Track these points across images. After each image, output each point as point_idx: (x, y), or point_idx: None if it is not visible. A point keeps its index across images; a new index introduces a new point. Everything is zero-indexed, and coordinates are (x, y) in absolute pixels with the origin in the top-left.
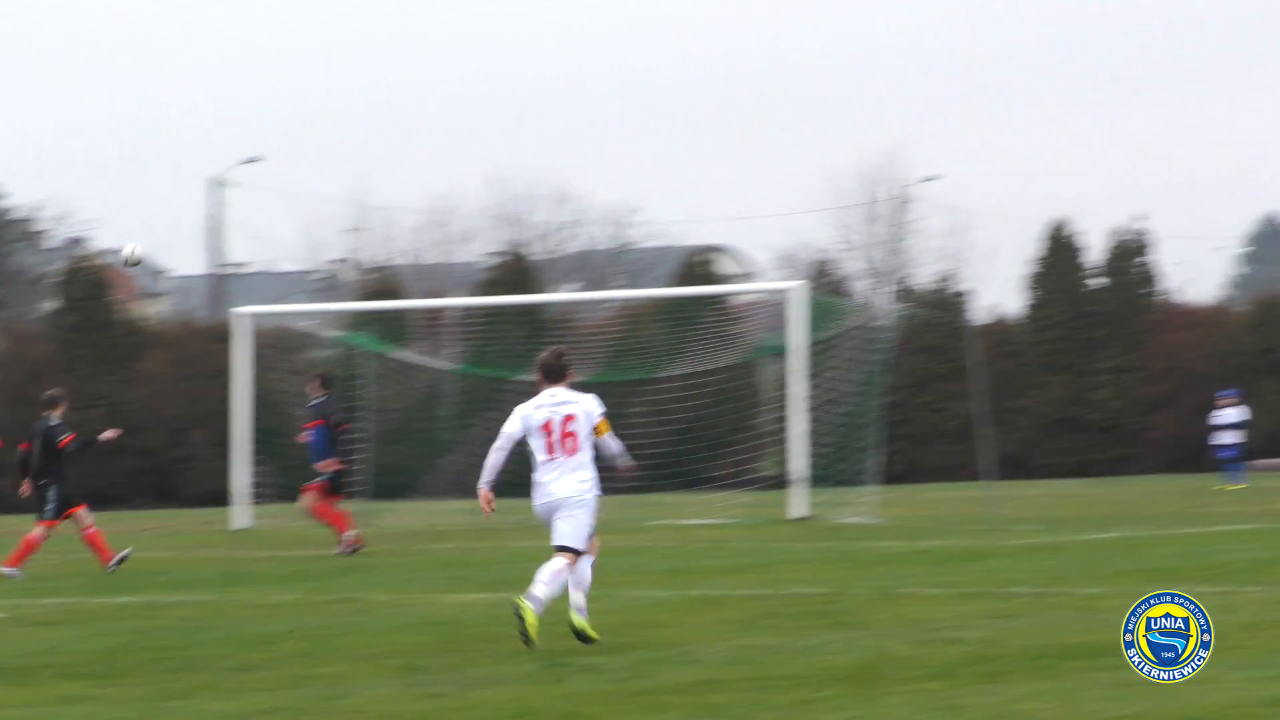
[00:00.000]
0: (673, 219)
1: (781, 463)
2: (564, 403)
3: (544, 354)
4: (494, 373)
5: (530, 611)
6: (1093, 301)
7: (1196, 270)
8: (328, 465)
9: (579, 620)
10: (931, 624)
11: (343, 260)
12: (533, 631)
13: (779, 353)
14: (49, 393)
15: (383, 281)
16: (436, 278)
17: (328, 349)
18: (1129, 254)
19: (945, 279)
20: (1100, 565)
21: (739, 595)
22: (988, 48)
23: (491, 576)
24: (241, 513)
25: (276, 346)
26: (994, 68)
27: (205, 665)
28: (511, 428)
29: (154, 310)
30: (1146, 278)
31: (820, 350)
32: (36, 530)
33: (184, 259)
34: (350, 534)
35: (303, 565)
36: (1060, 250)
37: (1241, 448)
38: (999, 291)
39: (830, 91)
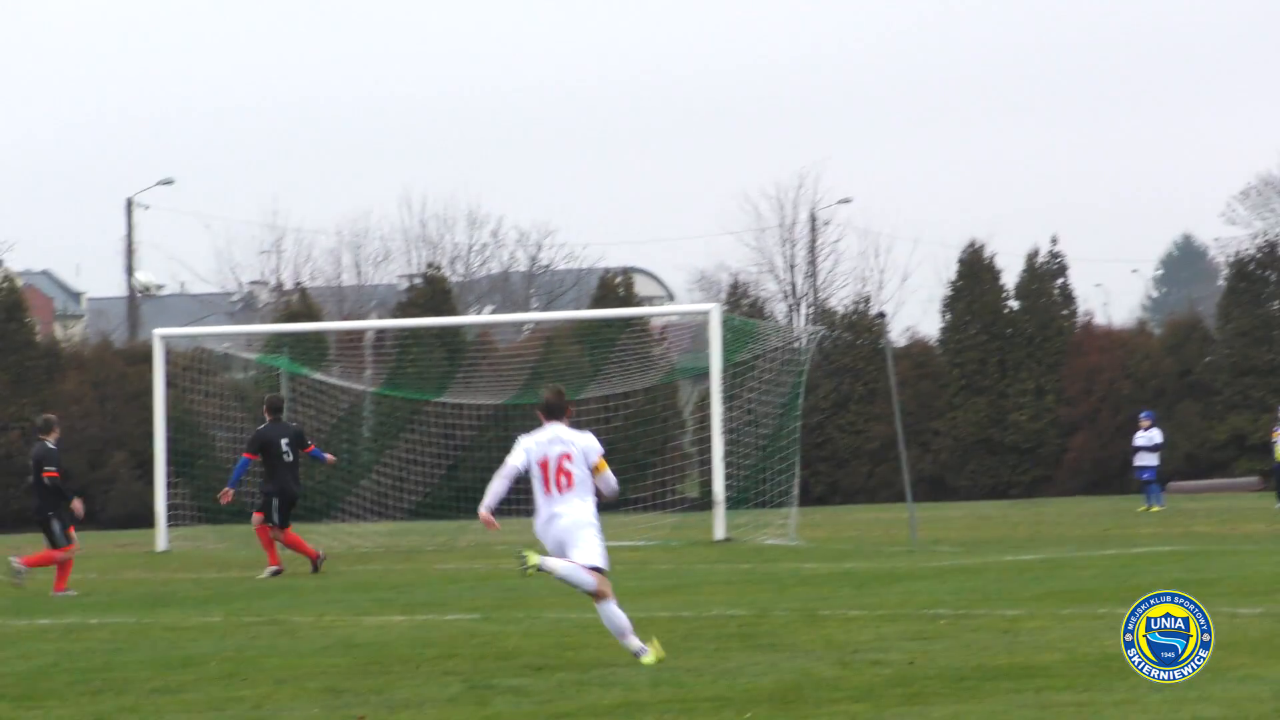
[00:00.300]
0: (588, 241)
1: (703, 484)
2: (561, 441)
3: (545, 393)
4: (412, 394)
5: (535, 559)
6: (1010, 324)
7: (1113, 293)
8: (223, 496)
9: (649, 659)
10: (854, 646)
11: (259, 282)
12: (532, 564)
13: (697, 374)
14: (44, 417)
15: (299, 303)
16: (353, 299)
17: (246, 371)
18: (1045, 276)
19: (862, 301)
20: (1022, 587)
21: (662, 617)
22: (900, 71)
23: (414, 599)
24: (164, 535)
25: (194, 369)
26: (908, 91)
27: (128, 687)
28: (516, 460)
29: (70, 332)
30: (1063, 300)
31: (738, 372)
32: (58, 554)
33: (99, 281)
34: (277, 564)
35: (224, 587)
36: (976, 273)
37: (1158, 470)
38: (916, 314)
39: (744, 114)
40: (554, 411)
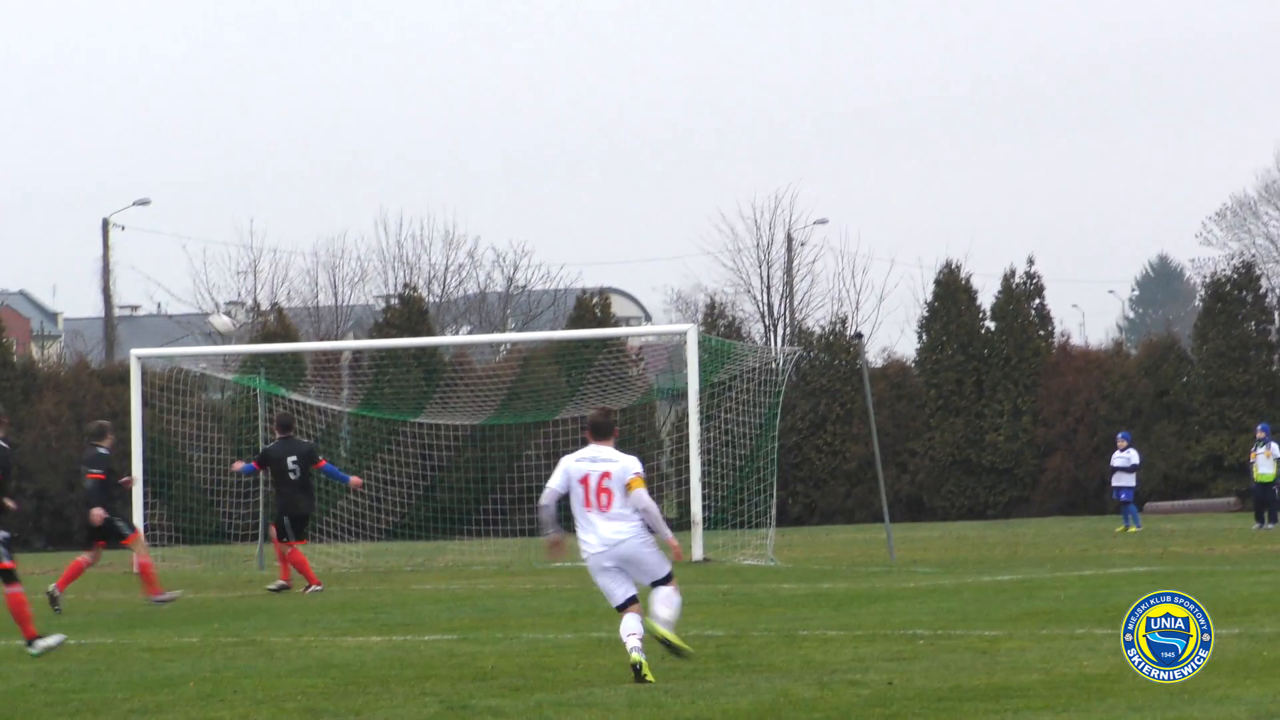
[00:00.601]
0: (565, 261)
1: (681, 505)
2: (603, 460)
3: (593, 413)
4: (389, 415)
5: (663, 630)
6: (986, 344)
7: (1089, 313)
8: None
9: (639, 658)
10: (832, 666)
11: (236, 303)
12: (676, 641)
13: (674, 395)
14: (96, 423)
15: (276, 324)
16: (329, 320)
17: (223, 391)
18: (1021, 297)
19: (838, 321)
20: (999, 607)
21: None
22: (876, 92)
23: (391, 619)
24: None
25: (170, 389)
26: (883, 112)
27: (106, 708)
28: (554, 483)
29: (47, 352)
30: (1039, 321)
31: (716, 392)
32: (141, 557)
33: (76, 301)
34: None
35: (202, 608)
36: (953, 293)
37: (1135, 490)
38: (893, 334)
39: (720, 135)
40: (601, 431)
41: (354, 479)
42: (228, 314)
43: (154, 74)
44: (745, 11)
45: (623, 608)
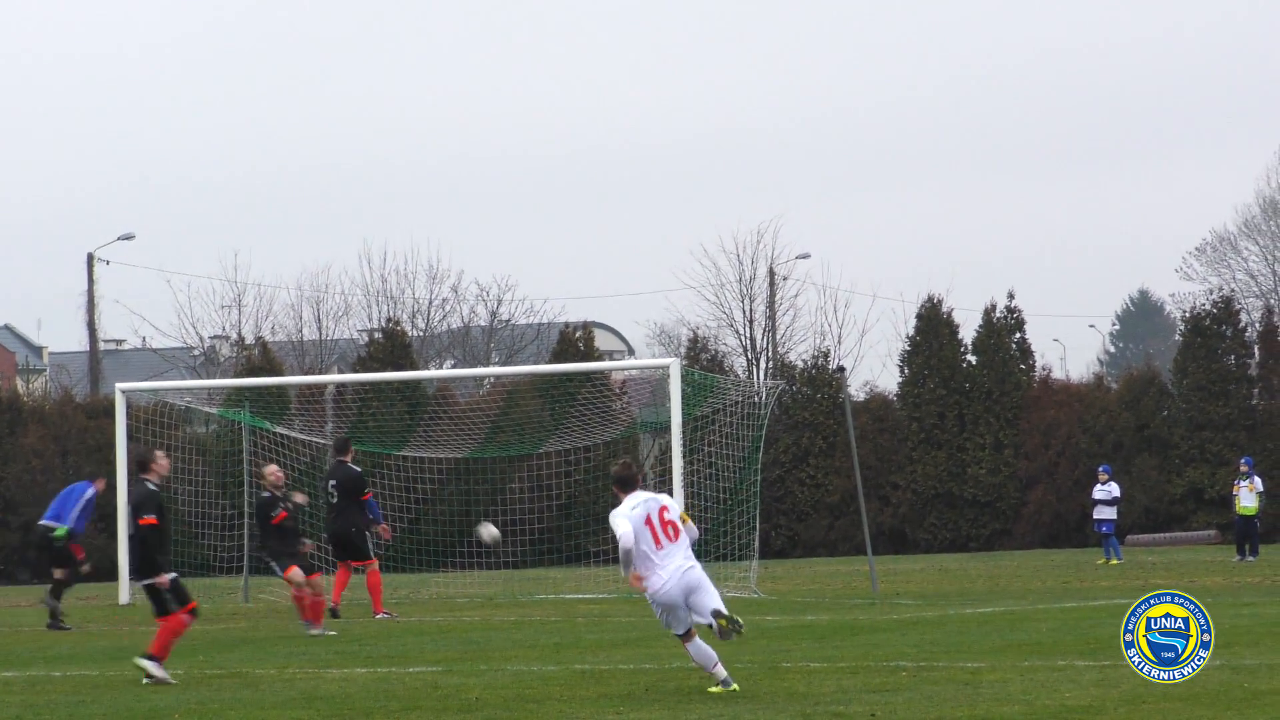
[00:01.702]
0: (548, 296)
1: None
2: (653, 499)
3: (616, 468)
4: (373, 448)
5: (717, 604)
6: (968, 378)
7: (1070, 347)
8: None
9: (735, 688)
10: (815, 698)
11: (220, 337)
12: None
13: (657, 428)
14: (270, 468)
15: (260, 357)
16: (314, 354)
17: (207, 425)
18: (1003, 331)
19: (821, 355)
20: (982, 639)
21: (624, 669)
22: (858, 127)
23: (376, 651)
24: (126, 588)
25: (155, 423)
26: (866, 147)
27: None
28: (625, 528)
29: (33, 386)
30: (1020, 354)
31: (699, 426)
32: (304, 593)
33: (61, 335)
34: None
35: (187, 640)
36: (934, 327)
37: (1116, 523)
38: (875, 368)
39: (703, 170)
40: (628, 483)
41: (383, 526)
42: (490, 523)
43: (138, 108)
44: (727, 46)
45: (684, 636)
